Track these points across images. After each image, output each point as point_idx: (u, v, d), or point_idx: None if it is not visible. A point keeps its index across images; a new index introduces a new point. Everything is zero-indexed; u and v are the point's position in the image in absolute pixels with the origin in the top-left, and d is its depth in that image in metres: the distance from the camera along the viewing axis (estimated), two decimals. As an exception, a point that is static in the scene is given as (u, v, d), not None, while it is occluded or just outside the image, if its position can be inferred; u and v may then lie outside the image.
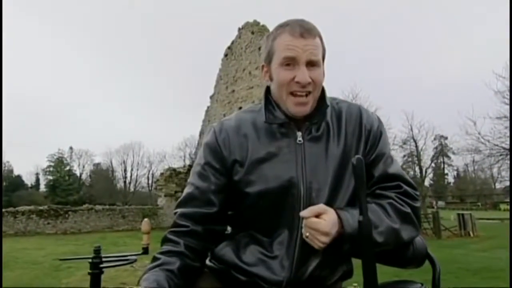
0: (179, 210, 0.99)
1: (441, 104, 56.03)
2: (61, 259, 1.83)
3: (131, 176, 46.12)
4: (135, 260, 1.45)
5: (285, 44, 0.93)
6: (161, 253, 0.92)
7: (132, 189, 46.00)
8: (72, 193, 41.16)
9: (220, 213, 0.98)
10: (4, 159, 40.57)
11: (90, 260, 1.43)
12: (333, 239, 0.86)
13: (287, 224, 0.94)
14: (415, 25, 66.39)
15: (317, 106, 0.99)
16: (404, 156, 32.00)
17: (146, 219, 1.44)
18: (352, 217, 0.87)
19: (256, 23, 15.38)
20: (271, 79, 0.99)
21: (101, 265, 1.42)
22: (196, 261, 0.94)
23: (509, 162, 14.72)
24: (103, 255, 1.47)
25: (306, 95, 0.94)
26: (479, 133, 14.89)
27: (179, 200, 1.02)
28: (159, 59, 72.67)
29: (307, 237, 0.87)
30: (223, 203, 0.99)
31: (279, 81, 0.96)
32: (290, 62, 0.93)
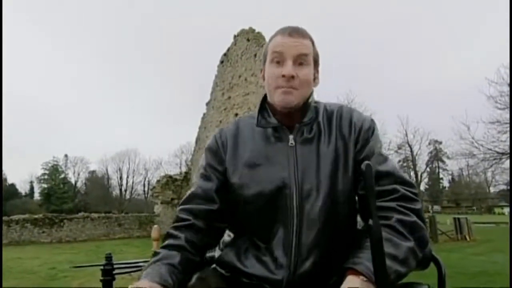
0: (181, 206, 1.04)
1: (435, 109, 56.56)
2: (74, 267, 1.83)
3: (127, 184, 45.79)
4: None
5: (275, 43, 1.02)
6: (162, 247, 0.96)
7: (128, 196, 45.59)
8: (67, 201, 40.70)
9: (222, 210, 1.02)
10: (-2, 167, 40.06)
11: (102, 267, 1.44)
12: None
13: (282, 223, 0.96)
14: (410, 31, 67.31)
15: (304, 108, 1.02)
16: (399, 161, 32.21)
17: (156, 226, 1.46)
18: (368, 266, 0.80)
19: (251, 30, 15.47)
20: (264, 78, 1.06)
21: (114, 272, 1.43)
22: (196, 255, 0.97)
23: (502, 166, 14.89)
24: (114, 262, 1.48)
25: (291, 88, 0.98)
26: (473, 138, 15.02)
27: (182, 199, 1.06)
28: (155, 66, 72.74)
29: None
30: (225, 201, 1.03)
31: (268, 76, 1.03)
32: (279, 59, 1.00)
